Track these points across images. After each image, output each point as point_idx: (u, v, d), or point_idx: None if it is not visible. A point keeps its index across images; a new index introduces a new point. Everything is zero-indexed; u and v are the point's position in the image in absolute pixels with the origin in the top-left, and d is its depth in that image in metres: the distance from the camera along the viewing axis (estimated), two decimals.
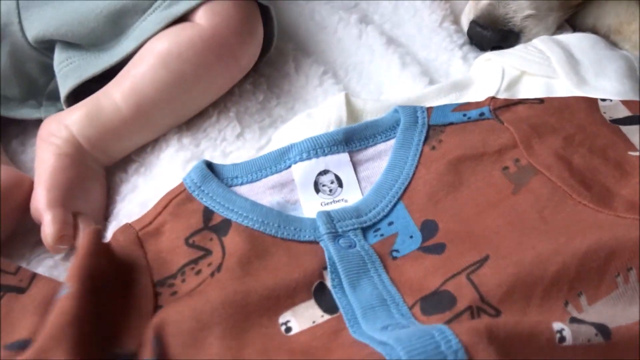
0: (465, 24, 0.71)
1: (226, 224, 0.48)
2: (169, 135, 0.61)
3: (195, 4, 0.59)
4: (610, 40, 0.67)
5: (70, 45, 0.62)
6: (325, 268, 0.45)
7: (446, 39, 0.70)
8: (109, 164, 0.61)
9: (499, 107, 0.52)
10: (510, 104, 0.52)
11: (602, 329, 0.35)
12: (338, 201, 0.50)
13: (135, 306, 0.44)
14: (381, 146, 0.52)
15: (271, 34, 0.65)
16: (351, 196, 0.50)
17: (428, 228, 0.45)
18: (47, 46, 0.63)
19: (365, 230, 0.47)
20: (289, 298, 0.43)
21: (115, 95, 0.58)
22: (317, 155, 0.51)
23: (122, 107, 0.58)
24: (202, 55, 0.58)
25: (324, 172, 0.51)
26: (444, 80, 0.66)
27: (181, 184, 0.51)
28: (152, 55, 0.58)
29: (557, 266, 0.38)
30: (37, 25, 0.62)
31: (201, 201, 0.50)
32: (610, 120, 0.50)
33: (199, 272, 0.46)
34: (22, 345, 0.41)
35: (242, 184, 0.51)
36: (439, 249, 0.43)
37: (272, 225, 0.47)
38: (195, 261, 0.46)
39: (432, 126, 0.52)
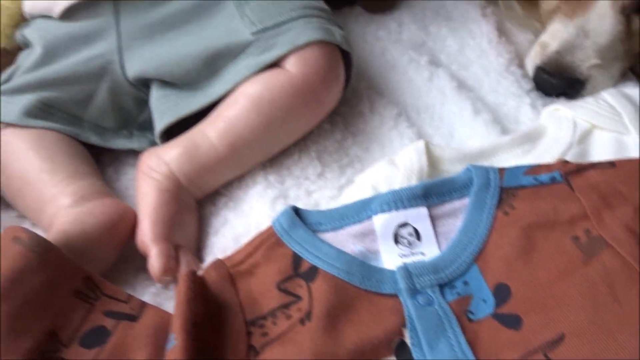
0: (530, 68, 0.72)
1: (313, 271, 0.50)
2: (255, 172, 0.65)
3: (287, 52, 0.63)
4: None
5: (166, 83, 0.66)
6: (404, 325, 0.46)
7: (514, 84, 0.71)
8: (201, 198, 0.65)
9: (570, 172, 0.52)
10: (581, 168, 0.52)
11: None
12: (416, 254, 0.52)
13: (230, 345, 0.47)
14: (457, 203, 0.53)
15: (348, 76, 0.68)
16: (428, 250, 0.52)
17: (501, 292, 0.46)
18: (143, 82, 0.68)
19: (442, 287, 0.48)
20: (373, 354, 0.45)
21: (210, 135, 0.62)
22: (397, 208, 0.52)
23: (217, 146, 0.62)
24: (291, 101, 0.62)
25: (404, 224, 0.53)
26: (514, 127, 0.68)
27: (270, 228, 0.53)
28: (245, 99, 0.62)
29: None
30: (138, 64, 0.66)
31: (290, 246, 0.52)
32: None
33: (289, 317, 0.48)
34: None
35: (326, 230, 0.53)
36: (515, 323, 0.44)
37: (356, 275, 0.50)
38: (286, 306, 0.49)
39: (505, 189, 0.53)
